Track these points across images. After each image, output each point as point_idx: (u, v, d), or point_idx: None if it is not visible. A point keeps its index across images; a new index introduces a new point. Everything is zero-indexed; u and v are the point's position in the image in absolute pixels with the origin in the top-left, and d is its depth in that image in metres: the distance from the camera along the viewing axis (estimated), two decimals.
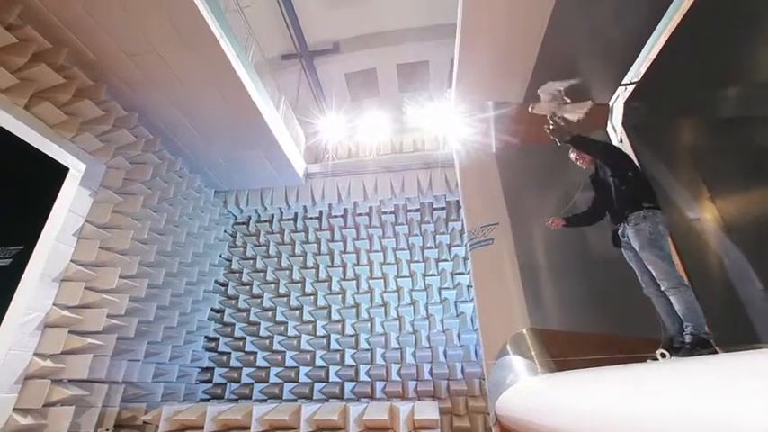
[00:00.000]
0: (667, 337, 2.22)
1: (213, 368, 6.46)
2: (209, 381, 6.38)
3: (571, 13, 2.79)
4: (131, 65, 4.68)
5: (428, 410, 4.33)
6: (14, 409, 3.56)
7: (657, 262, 2.19)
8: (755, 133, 3.03)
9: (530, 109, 3.01)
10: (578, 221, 2.82)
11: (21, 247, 3.74)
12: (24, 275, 3.70)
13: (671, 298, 2.13)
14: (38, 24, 4.03)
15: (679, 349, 2.03)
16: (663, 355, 1.87)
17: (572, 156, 2.85)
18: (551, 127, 2.83)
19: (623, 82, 3.41)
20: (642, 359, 2.10)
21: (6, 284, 3.59)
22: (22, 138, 3.80)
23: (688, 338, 1.98)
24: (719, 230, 3.03)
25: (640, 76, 3.27)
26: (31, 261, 3.78)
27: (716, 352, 1.94)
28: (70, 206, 4.26)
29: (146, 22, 4.17)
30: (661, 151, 3.38)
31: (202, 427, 4.29)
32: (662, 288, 2.19)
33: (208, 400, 6.15)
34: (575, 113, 2.89)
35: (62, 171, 4.22)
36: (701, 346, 1.93)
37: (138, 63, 4.66)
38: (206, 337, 6.63)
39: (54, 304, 4.04)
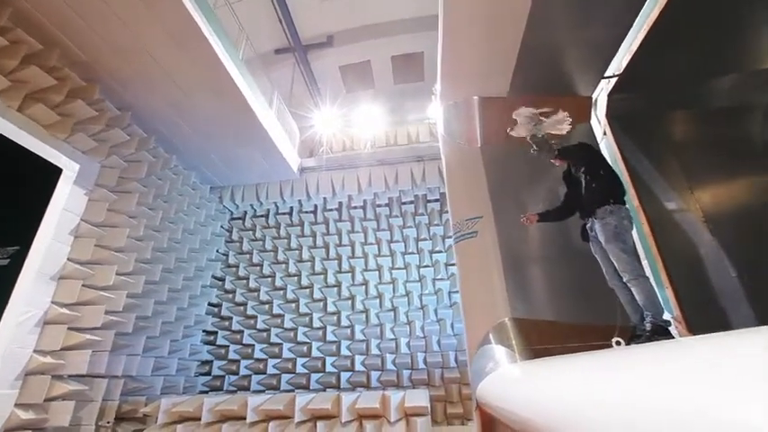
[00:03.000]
0: (630, 325, 2.31)
1: (212, 361, 6.61)
2: (208, 373, 6.53)
3: (549, 6, 2.82)
4: (123, 64, 4.72)
5: (418, 398, 4.45)
6: (16, 405, 3.69)
7: (620, 255, 2.28)
8: (732, 124, 3.07)
9: (508, 131, 3.08)
10: (550, 217, 2.89)
11: (17, 248, 3.84)
12: (21, 274, 3.82)
13: (632, 289, 2.23)
14: (28, 26, 4.07)
15: (640, 337, 2.13)
16: (618, 343, 1.96)
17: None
18: (535, 148, 2.91)
19: (605, 75, 3.45)
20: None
21: (4, 284, 3.70)
22: (16, 141, 3.87)
23: (648, 326, 2.07)
24: (698, 221, 3.10)
25: (622, 69, 3.31)
26: (27, 260, 3.88)
27: (673, 338, 2.03)
28: (65, 205, 4.35)
29: (135, 22, 4.20)
30: (643, 143, 3.42)
31: (200, 419, 4.42)
32: (624, 279, 2.28)
33: (207, 392, 6.29)
34: (558, 128, 2.95)
35: (56, 171, 4.30)
36: (659, 334, 2.02)
37: (129, 62, 4.70)
38: (204, 330, 6.77)
39: (52, 302, 4.15)
